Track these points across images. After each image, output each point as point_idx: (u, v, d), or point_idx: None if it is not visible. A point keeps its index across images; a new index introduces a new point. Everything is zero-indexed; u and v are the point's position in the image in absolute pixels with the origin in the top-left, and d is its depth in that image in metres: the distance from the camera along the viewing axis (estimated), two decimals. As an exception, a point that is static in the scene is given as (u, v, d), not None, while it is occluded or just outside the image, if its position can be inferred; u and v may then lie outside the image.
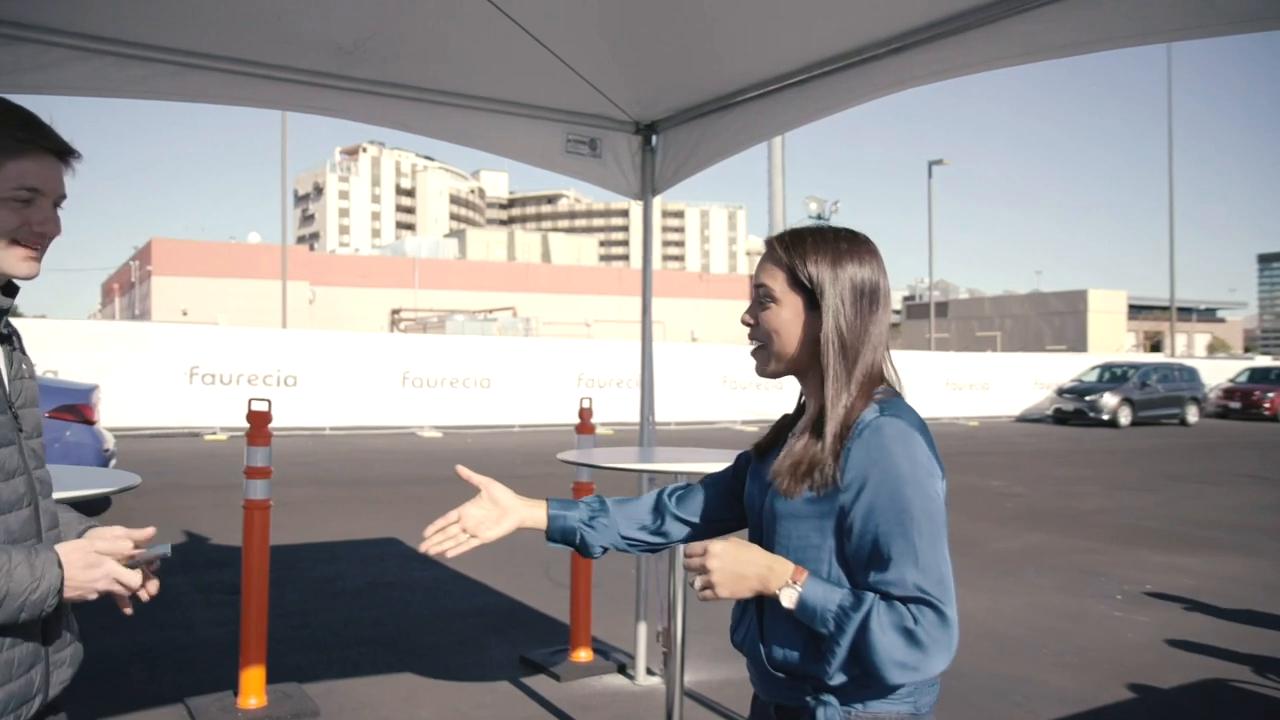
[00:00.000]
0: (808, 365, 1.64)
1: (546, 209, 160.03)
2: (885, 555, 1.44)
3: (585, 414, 5.08)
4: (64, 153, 1.61)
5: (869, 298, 1.61)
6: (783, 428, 1.78)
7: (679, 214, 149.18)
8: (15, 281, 1.65)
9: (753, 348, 1.69)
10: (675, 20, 3.65)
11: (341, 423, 18.38)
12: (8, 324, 1.70)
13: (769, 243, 1.69)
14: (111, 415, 12.51)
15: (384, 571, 7.06)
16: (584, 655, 5.01)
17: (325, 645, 5.29)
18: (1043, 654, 5.39)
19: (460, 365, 19.76)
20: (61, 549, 1.51)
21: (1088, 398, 25.47)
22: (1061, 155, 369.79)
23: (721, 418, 22.00)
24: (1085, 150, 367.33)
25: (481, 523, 1.78)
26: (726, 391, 22.36)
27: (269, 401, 4.27)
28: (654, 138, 4.71)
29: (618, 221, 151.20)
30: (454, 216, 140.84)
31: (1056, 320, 48.22)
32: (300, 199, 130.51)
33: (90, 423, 7.99)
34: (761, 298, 1.66)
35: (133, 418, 15.92)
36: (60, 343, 15.72)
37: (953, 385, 26.79)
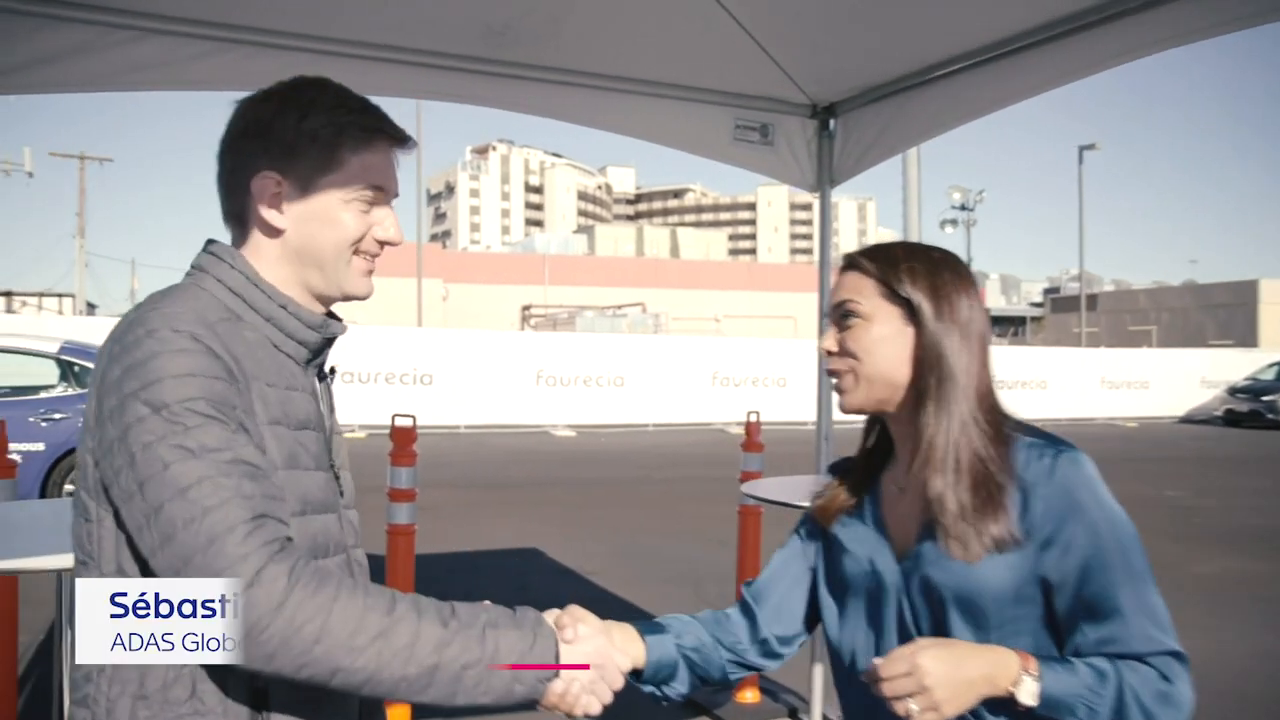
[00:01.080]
0: (908, 393, 1.39)
1: (673, 203, 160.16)
2: (1110, 610, 1.26)
3: (752, 429, 4.59)
4: (403, 142, 1.34)
5: (973, 314, 1.39)
6: (852, 479, 1.54)
7: (806, 206, 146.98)
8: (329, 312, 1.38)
9: (836, 380, 1.45)
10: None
11: (476, 421, 18.39)
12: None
13: (849, 257, 1.46)
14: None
15: (527, 588, 6.71)
16: (750, 696, 4.53)
17: (470, 675, 4.96)
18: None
19: (593, 363, 19.58)
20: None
21: (1265, 398, 23.51)
22: (1219, 137, 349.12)
23: (862, 418, 21.10)
24: (1247, 132, 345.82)
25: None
26: (866, 390, 21.50)
27: (413, 417, 3.94)
28: (832, 122, 4.18)
29: (744, 215, 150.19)
30: (582, 213, 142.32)
31: (1221, 313, 44.88)
32: (433, 198, 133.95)
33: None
34: (844, 316, 1.42)
35: (277, 416, 16.19)
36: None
37: (1109, 384, 25.18)
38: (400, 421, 3.88)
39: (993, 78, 3.48)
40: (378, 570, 4.10)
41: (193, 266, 1.29)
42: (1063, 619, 1.30)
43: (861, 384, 1.41)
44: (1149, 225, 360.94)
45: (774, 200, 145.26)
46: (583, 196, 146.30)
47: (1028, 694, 1.23)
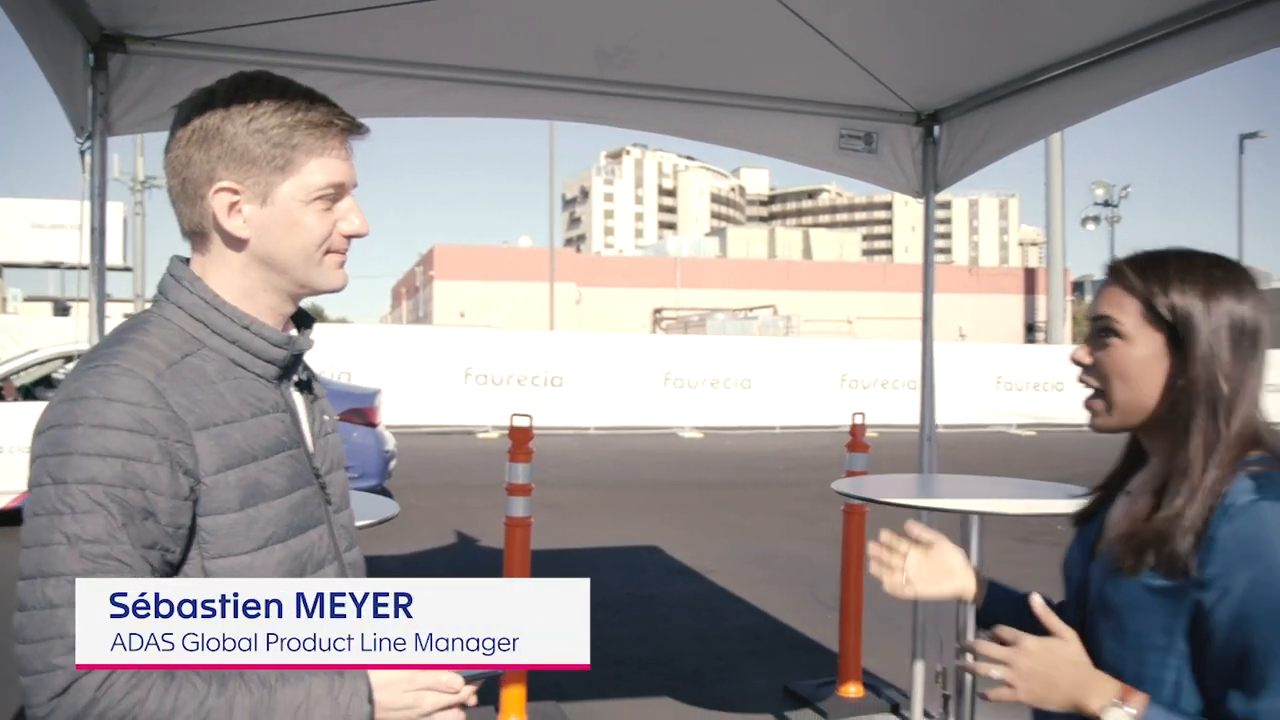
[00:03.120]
0: (1160, 420, 1.33)
1: (807, 204, 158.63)
2: (1261, 678, 1.15)
3: (858, 430, 4.70)
4: (355, 129, 1.30)
5: (1250, 340, 1.30)
6: (1109, 487, 1.49)
7: (945, 205, 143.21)
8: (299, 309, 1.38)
9: (1085, 395, 1.39)
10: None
11: (605, 423, 18.74)
12: (306, 367, 1.40)
13: (1115, 266, 1.38)
14: (396, 414, 13.32)
15: (644, 583, 6.94)
16: (853, 690, 4.62)
17: (586, 662, 5.20)
18: None
19: (721, 365, 19.67)
20: (377, 675, 1.17)
21: None
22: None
23: (994, 421, 20.62)
24: None
25: (923, 576, 1.63)
26: (1000, 394, 20.96)
27: (530, 417, 4.19)
28: (936, 129, 4.25)
29: (880, 215, 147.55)
30: (715, 215, 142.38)
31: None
32: (567, 203, 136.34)
33: (373, 425, 8.44)
34: (1101, 331, 1.36)
35: (415, 415, 16.87)
36: (355, 346, 16.99)
37: (1274, 387, 23.78)
38: (518, 421, 4.13)
39: (1096, 81, 3.50)
40: (495, 563, 4.32)
41: (158, 290, 1.28)
42: (1209, 673, 1.22)
43: (1114, 411, 1.36)
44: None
45: (911, 199, 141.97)
46: (716, 199, 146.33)
47: None
